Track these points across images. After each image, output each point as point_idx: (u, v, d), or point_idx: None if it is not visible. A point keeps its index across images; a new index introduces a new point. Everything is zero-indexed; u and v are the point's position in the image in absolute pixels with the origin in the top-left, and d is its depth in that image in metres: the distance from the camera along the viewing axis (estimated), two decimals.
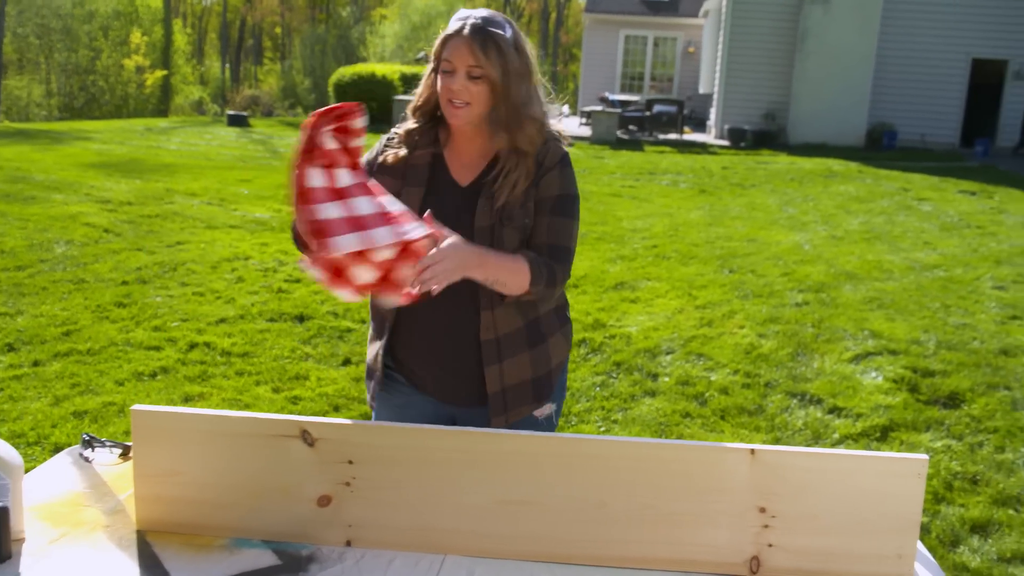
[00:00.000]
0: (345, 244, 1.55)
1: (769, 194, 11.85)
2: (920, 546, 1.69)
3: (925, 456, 1.56)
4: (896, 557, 1.59)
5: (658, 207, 10.56)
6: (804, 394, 4.63)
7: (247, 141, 17.32)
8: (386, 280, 1.64)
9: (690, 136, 19.95)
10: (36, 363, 4.72)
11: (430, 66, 1.91)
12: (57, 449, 3.67)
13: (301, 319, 5.63)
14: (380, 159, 1.97)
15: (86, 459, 1.95)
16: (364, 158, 1.87)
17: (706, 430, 4.22)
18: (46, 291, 5.95)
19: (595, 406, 4.46)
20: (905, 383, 4.77)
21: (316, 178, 1.58)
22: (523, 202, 1.87)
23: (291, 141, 17.64)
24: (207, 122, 23.81)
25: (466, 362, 1.93)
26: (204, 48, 55.96)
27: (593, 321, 5.73)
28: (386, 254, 1.59)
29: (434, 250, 1.64)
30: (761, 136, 18.54)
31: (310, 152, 1.57)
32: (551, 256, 1.88)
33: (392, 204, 1.65)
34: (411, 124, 1.97)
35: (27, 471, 1.82)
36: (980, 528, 3.35)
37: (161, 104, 36.61)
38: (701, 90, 22.99)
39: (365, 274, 1.62)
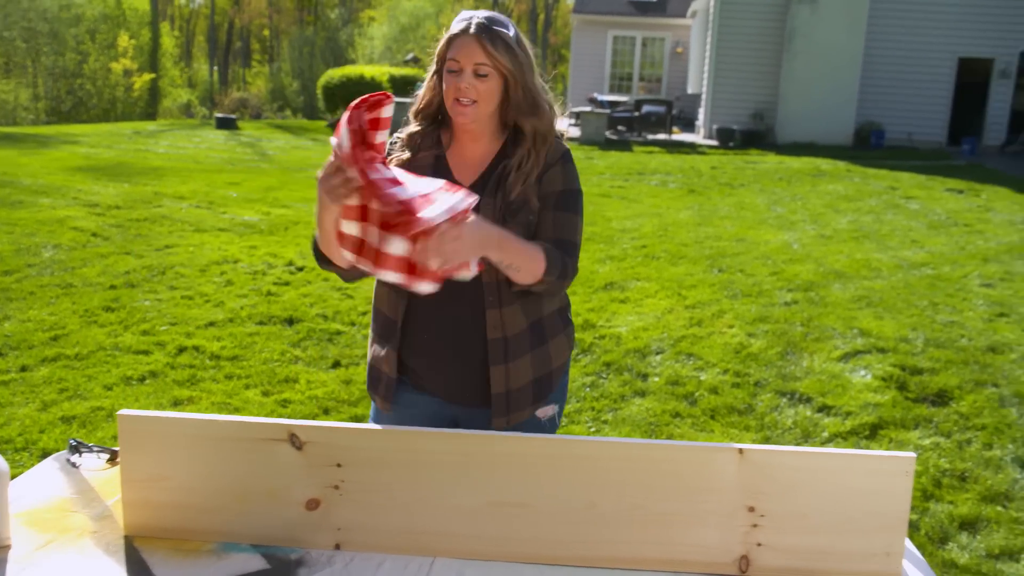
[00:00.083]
0: (433, 214, 1.54)
1: (758, 194, 11.88)
2: (908, 543, 1.70)
3: (912, 454, 1.57)
4: (884, 555, 1.59)
5: (647, 207, 10.58)
6: (793, 393, 4.64)
7: (236, 144, 17.27)
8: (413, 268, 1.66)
9: (679, 136, 19.99)
10: (24, 368, 4.69)
11: (432, 69, 1.93)
12: (45, 454, 3.65)
13: (290, 322, 5.61)
14: None
15: (73, 464, 1.94)
16: None
17: (696, 430, 4.23)
18: (33, 296, 5.92)
19: (585, 407, 4.46)
20: (894, 381, 4.79)
21: (376, 171, 1.60)
22: (527, 199, 1.88)
23: (280, 144, 17.61)
24: (195, 125, 23.74)
25: (472, 361, 1.93)
26: (192, 51, 55.81)
27: (583, 322, 5.73)
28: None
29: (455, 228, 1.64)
30: (749, 136, 18.60)
31: (361, 146, 1.58)
32: (559, 250, 1.89)
33: (431, 183, 1.67)
34: (413, 127, 1.99)
35: (14, 477, 1.81)
36: (969, 525, 3.37)
37: (149, 107, 36.50)
38: (689, 90, 23.04)
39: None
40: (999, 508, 3.49)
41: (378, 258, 1.65)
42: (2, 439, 3.85)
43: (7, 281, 6.19)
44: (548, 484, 1.61)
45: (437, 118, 1.98)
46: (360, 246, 1.69)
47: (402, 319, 1.96)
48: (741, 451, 1.57)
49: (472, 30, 1.82)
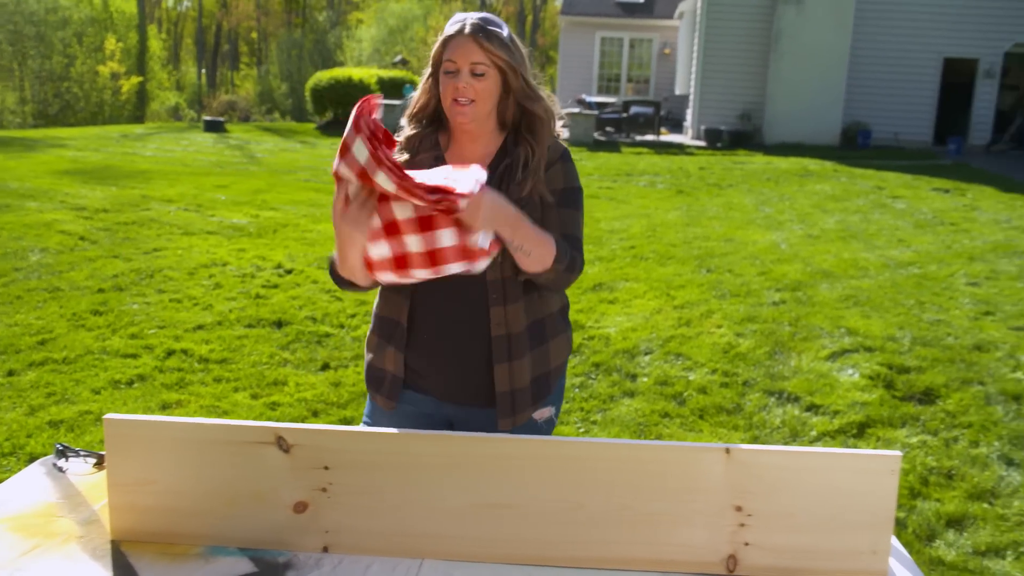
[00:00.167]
0: (466, 188, 1.59)
1: (746, 194, 11.92)
2: (895, 541, 1.71)
3: (898, 453, 1.58)
4: (871, 553, 1.60)
5: (636, 208, 10.60)
6: (782, 392, 4.66)
7: (224, 147, 17.21)
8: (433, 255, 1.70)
9: (667, 137, 20.04)
10: (11, 372, 4.66)
11: (427, 72, 1.94)
12: (33, 459, 3.62)
13: (279, 325, 5.60)
14: None
15: (60, 469, 1.93)
16: None
17: (685, 430, 4.24)
18: (21, 300, 5.89)
19: (574, 407, 4.46)
20: (881, 380, 4.81)
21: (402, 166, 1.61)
22: (537, 193, 1.89)
23: (269, 147, 17.56)
24: (183, 128, 23.64)
25: (474, 360, 1.93)
26: (180, 54, 55.61)
27: (572, 322, 5.73)
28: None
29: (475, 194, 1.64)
30: (737, 136, 18.66)
31: (379, 150, 1.57)
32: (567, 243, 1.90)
33: (441, 170, 1.68)
34: (410, 131, 1.99)
35: (0, 482, 1.81)
36: (955, 522, 3.39)
37: (137, 110, 36.33)
38: (677, 91, 23.10)
39: (415, 244, 1.68)
40: (985, 505, 3.51)
41: (434, 258, 1.67)
42: None
43: None
44: (536, 485, 1.61)
45: (434, 120, 1.99)
46: (402, 261, 1.70)
47: (407, 317, 1.96)
48: (728, 451, 1.58)
49: (467, 30, 1.84)
